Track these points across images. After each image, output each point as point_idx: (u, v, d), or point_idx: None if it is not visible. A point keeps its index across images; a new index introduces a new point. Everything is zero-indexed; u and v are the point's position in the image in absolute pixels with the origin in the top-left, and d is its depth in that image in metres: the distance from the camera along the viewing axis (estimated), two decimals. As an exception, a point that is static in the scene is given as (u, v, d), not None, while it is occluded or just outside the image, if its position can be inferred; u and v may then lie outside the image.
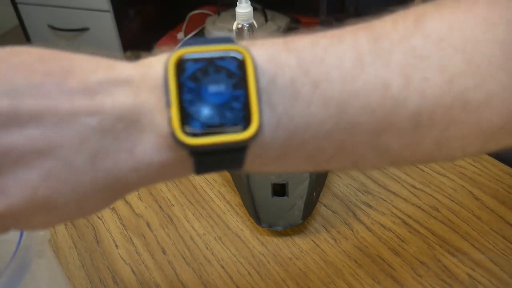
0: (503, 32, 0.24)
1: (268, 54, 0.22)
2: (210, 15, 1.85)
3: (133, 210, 0.53)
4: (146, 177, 0.22)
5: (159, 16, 1.94)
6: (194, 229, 0.51)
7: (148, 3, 1.90)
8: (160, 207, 0.54)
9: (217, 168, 0.23)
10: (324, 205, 0.52)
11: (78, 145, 0.21)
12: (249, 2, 0.68)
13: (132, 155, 0.21)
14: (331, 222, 0.50)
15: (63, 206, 0.22)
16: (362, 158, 0.25)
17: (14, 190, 0.20)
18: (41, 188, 0.21)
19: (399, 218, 0.50)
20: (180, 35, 1.79)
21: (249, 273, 0.46)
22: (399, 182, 0.54)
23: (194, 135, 0.21)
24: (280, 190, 0.47)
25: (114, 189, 0.22)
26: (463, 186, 0.53)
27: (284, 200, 0.47)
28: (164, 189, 0.56)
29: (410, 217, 0.50)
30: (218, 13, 1.76)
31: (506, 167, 0.55)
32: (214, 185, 0.56)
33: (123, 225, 0.52)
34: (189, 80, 0.21)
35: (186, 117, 0.21)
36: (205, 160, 0.22)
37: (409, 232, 0.48)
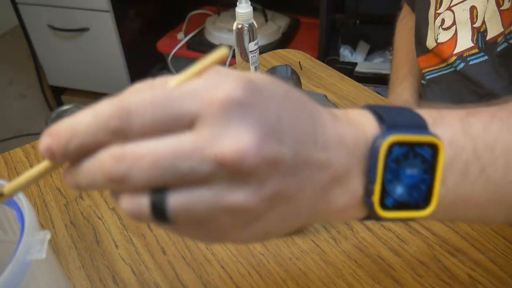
0: None
1: (448, 136, 0.27)
2: (210, 15, 1.85)
3: (133, 210, 0.53)
4: (327, 218, 0.27)
5: (159, 16, 1.94)
6: (194, 229, 0.51)
7: (148, 3, 1.90)
8: (160, 207, 0.54)
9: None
10: (324, 205, 0.52)
11: (313, 189, 0.24)
12: (249, 2, 0.68)
13: (328, 204, 0.25)
14: (331, 222, 0.50)
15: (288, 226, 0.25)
16: (492, 218, 0.32)
17: (275, 220, 0.23)
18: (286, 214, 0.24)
19: (399, 218, 0.50)
20: (180, 35, 1.79)
21: (249, 273, 0.46)
22: (399, 182, 0.54)
23: (386, 208, 0.25)
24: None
25: (308, 220, 0.26)
26: (463, 186, 0.53)
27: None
28: (164, 189, 0.56)
29: (410, 217, 0.50)
30: (218, 13, 1.76)
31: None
32: (214, 185, 0.56)
33: (123, 225, 0.52)
34: (393, 162, 0.25)
35: (383, 193, 0.25)
36: (383, 220, 0.26)
37: (409, 232, 0.48)
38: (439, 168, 0.25)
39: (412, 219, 0.26)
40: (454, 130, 0.27)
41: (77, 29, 1.73)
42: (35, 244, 0.31)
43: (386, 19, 1.25)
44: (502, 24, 0.61)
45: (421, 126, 0.26)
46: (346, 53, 1.62)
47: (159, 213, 0.21)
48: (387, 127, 0.25)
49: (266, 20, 1.67)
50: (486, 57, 0.64)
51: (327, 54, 1.56)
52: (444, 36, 0.68)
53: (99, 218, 0.53)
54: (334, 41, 1.61)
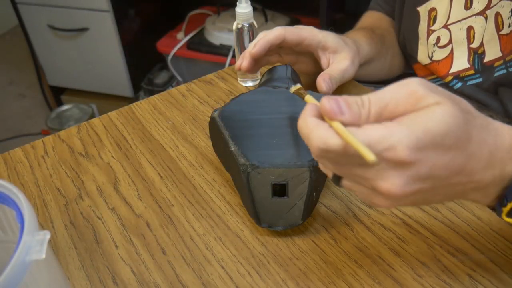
0: None
1: None
2: (210, 15, 1.85)
3: (133, 210, 0.53)
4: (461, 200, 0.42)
5: (159, 16, 1.94)
6: (194, 229, 0.51)
7: (148, 3, 1.90)
8: (160, 207, 0.54)
9: None
10: (324, 205, 0.52)
11: (454, 193, 0.37)
12: (249, 2, 0.68)
13: (465, 198, 0.38)
14: (331, 222, 0.50)
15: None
16: None
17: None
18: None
19: (399, 218, 0.50)
20: (180, 35, 1.79)
21: (249, 273, 0.46)
22: (399, 182, 0.54)
23: (510, 216, 0.37)
24: (280, 190, 0.47)
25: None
26: (463, 186, 0.53)
27: (284, 200, 0.47)
28: (164, 189, 0.56)
29: (410, 217, 0.50)
30: (218, 13, 1.76)
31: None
32: (214, 185, 0.56)
33: (123, 225, 0.52)
34: None
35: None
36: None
37: (409, 232, 0.48)
38: None
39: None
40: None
41: (77, 29, 1.74)
42: (35, 244, 0.31)
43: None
44: (501, 48, 0.61)
45: None
46: (346, 53, 1.62)
47: (337, 183, 0.37)
48: None
49: (266, 20, 1.67)
50: (481, 79, 0.64)
51: (327, 54, 1.56)
52: (439, 54, 0.68)
53: (98, 218, 0.53)
54: (334, 41, 1.61)
